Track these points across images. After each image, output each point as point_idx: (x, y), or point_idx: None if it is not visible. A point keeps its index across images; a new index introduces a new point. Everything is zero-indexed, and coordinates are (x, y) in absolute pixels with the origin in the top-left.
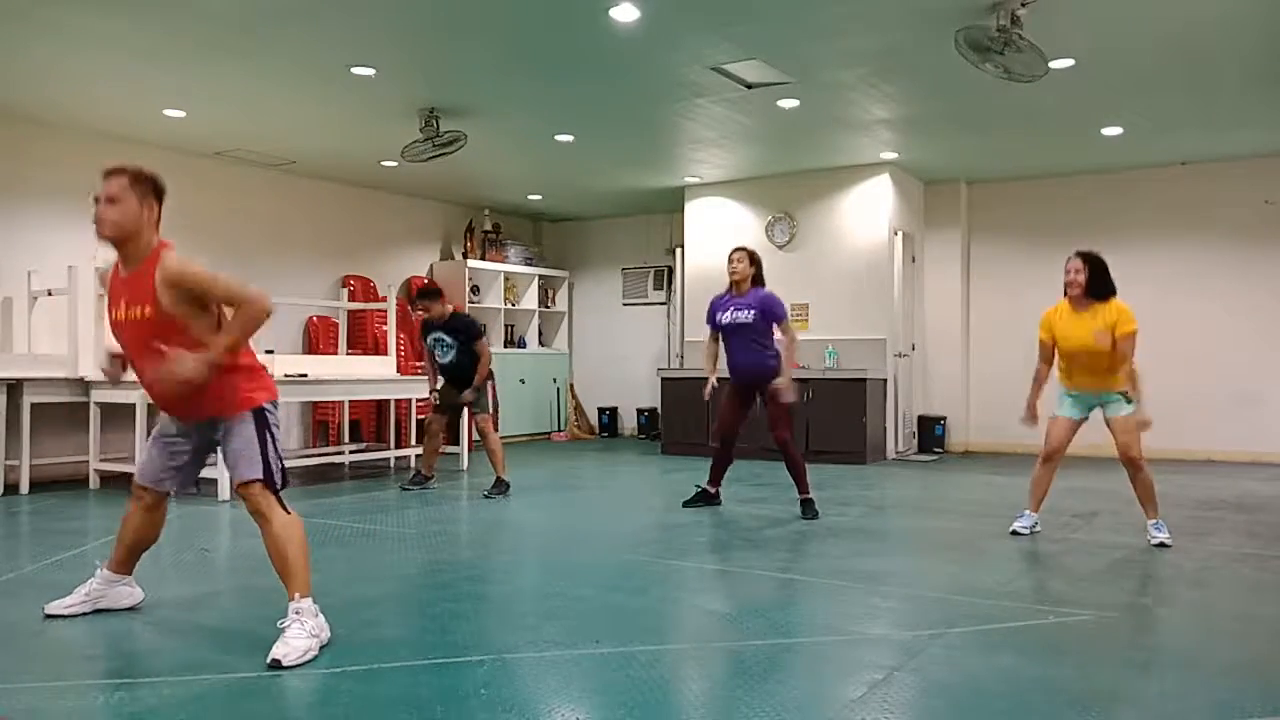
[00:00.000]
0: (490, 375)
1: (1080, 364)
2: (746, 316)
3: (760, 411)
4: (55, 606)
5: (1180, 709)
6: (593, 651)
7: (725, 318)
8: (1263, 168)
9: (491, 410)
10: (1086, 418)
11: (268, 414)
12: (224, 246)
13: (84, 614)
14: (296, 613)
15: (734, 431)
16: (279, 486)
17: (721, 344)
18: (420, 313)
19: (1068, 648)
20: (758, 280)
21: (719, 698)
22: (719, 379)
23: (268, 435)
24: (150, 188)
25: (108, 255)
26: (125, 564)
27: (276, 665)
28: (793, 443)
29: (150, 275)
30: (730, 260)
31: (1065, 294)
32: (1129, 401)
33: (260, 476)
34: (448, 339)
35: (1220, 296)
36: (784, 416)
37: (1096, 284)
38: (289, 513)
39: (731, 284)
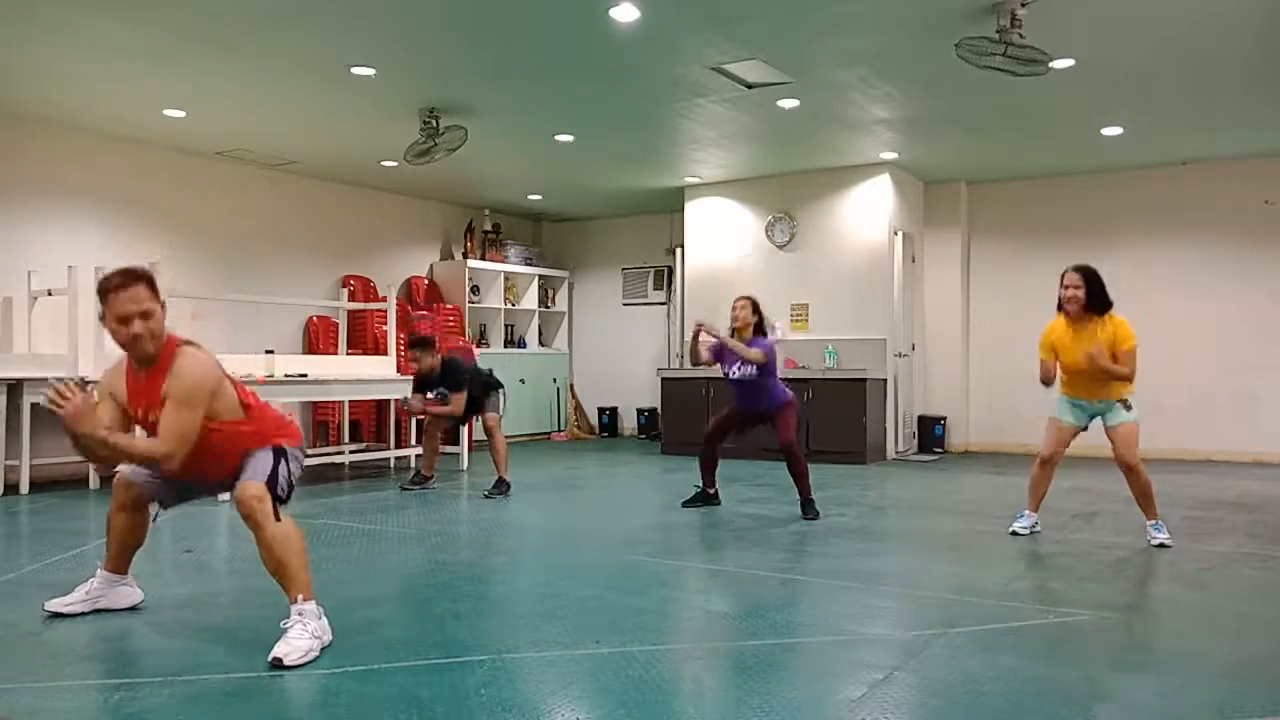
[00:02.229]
0: (500, 384)
1: (1083, 378)
2: (752, 372)
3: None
4: (56, 604)
5: (1180, 709)
6: (593, 651)
7: (733, 372)
8: (1263, 168)
9: (500, 412)
10: (1086, 427)
11: (287, 450)
12: (224, 246)
13: (84, 614)
14: (299, 614)
15: (720, 439)
16: (279, 498)
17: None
18: (413, 363)
19: (1068, 648)
20: (759, 330)
21: (719, 698)
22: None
23: (284, 459)
24: (151, 284)
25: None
26: (119, 564)
27: (278, 664)
28: (798, 447)
29: (162, 381)
30: (734, 307)
31: (1060, 308)
32: (1128, 409)
33: (264, 480)
34: (449, 392)
35: (1220, 296)
36: (791, 423)
37: (1094, 299)
38: (280, 520)
39: (733, 331)
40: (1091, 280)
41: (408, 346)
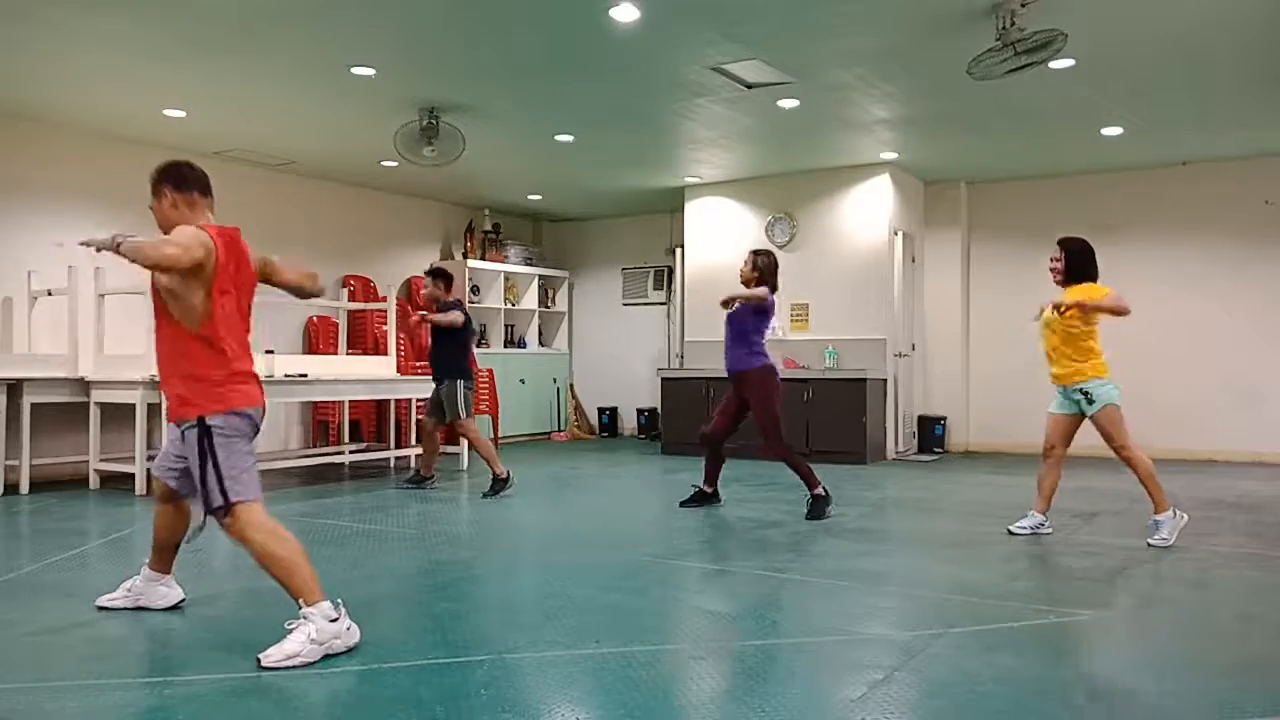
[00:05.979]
0: (466, 372)
1: (1047, 344)
2: (735, 308)
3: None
4: (104, 599)
5: (1180, 709)
6: (593, 651)
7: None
8: (1263, 168)
9: (465, 413)
10: (1081, 415)
11: (212, 427)
12: None
13: (126, 610)
14: (304, 618)
15: (721, 433)
16: (224, 506)
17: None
18: (425, 289)
19: (1068, 648)
20: (762, 284)
21: (719, 698)
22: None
23: (209, 446)
24: (161, 178)
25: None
26: (157, 561)
27: (259, 665)
28: (785, 449)
29: None
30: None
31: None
32: (1090, 402)
33: (207, 509)
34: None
35: (1220, 296)
36: (767, 429)
37: (1075, 270)
38: (262, 522)
39: (745, 285)
40: (1071, 253)
41: (425, 274)
